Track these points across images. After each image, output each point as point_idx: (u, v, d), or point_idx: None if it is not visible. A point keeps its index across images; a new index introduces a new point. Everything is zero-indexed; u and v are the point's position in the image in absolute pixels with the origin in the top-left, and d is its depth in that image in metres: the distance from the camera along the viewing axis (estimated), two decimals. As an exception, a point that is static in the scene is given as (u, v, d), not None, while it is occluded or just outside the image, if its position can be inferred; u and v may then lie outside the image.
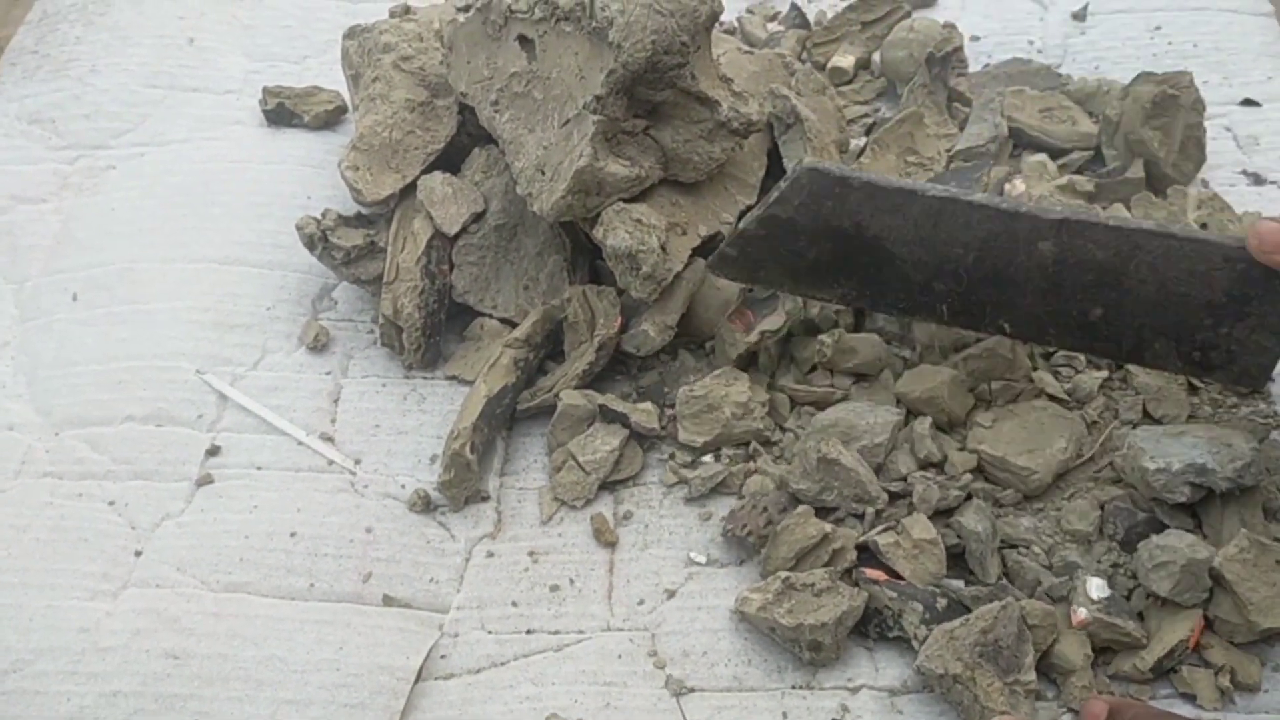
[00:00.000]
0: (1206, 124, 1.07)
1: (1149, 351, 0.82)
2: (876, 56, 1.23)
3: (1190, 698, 0.77)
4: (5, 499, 0.90)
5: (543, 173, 0.93)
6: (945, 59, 1.14)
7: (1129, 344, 0.83)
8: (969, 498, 0.86)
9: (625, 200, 0.93)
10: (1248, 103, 1.19)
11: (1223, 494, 0.81)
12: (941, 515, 0.85)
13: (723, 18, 1.02)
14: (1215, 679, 0.77)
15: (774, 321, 0.93)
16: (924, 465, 0.88)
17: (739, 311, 0.95)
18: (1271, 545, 0.77)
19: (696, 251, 0.95)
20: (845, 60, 1.21)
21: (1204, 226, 1.01)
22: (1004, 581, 0.82)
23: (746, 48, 1.12)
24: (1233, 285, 0.78)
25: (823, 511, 0.86)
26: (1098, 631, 0.78)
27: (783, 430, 0.92)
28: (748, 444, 0.92)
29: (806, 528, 0.83)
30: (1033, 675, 0.76)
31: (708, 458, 0.92)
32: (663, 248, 0.91)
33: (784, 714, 0.78)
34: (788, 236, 0.87)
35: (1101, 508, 0.85)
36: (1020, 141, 1.11)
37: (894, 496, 0.86)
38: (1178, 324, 0.80)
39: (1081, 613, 0.78)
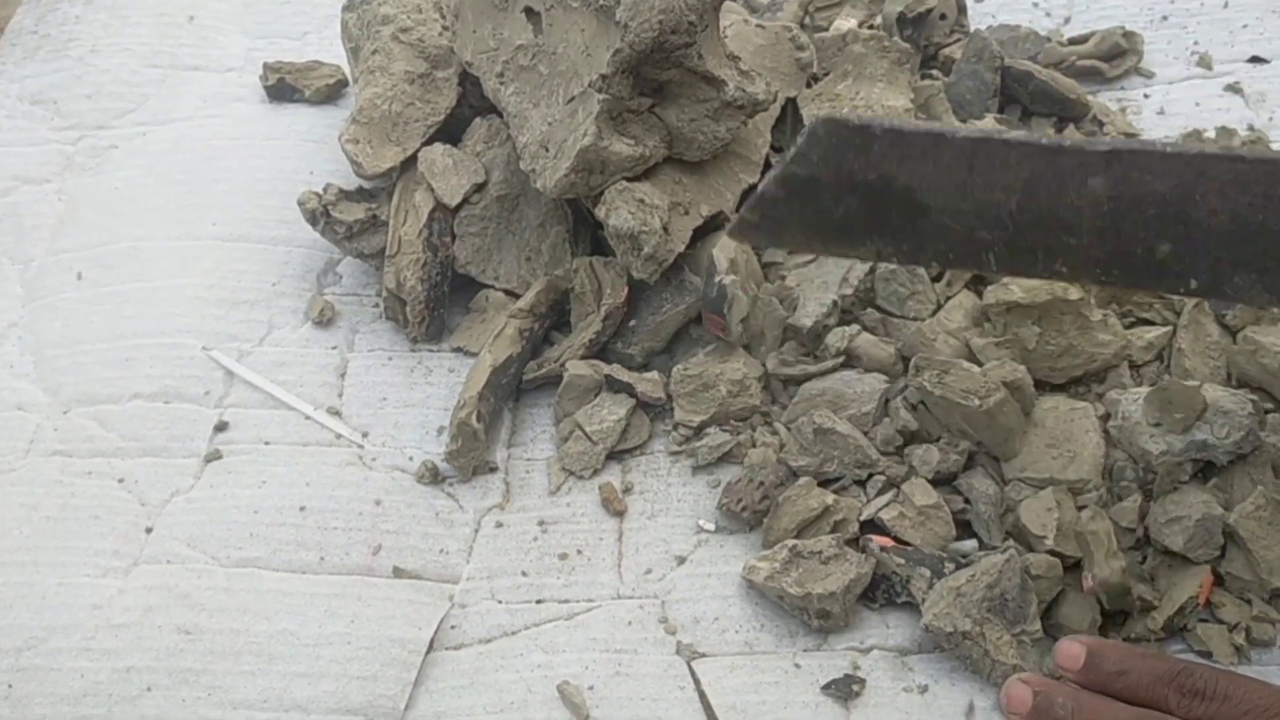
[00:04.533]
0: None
1: (1229, 285, 0.71)
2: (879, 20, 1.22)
3: (1206, 654, 0.77)
4: (15, 478, 0.90)
5: (546, 149, 0.92)
6: (918, 20, 1.12)
7: (1204, 280, 0.72)
8: (970, 460, 0.85)
9: (629, 179, 0.92)
10: (1255, 60, 1.18)
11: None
12: (944, 482, 0.85)
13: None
14: (1230, 635, 0.77)
15: (741, 310, 0.90)
16: (909, 439, 0.86)
17: (708, 316, 0.92)
18: None
19: (699, 231, 0.95)
20: (848, 24, 1.19)
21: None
22: (1010, 542, 0.81)
23: (750, 17, 1.11)
24: None
25: (825, 482, 0.85)
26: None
27: (777, 404, 0.92)
28: (748, 417, 0.92)
29: (808, 499, 0.83)
30: (1038, 625, 0.76)
31: (711, 429, 0.91)
32: (665, 228, 0.91)
33: (796, 665, 0.78)
34: (810, 195, 0.77)
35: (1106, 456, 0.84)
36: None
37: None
38: (1259, 254, 0.69)
39: (1091, 579, 0.78)
